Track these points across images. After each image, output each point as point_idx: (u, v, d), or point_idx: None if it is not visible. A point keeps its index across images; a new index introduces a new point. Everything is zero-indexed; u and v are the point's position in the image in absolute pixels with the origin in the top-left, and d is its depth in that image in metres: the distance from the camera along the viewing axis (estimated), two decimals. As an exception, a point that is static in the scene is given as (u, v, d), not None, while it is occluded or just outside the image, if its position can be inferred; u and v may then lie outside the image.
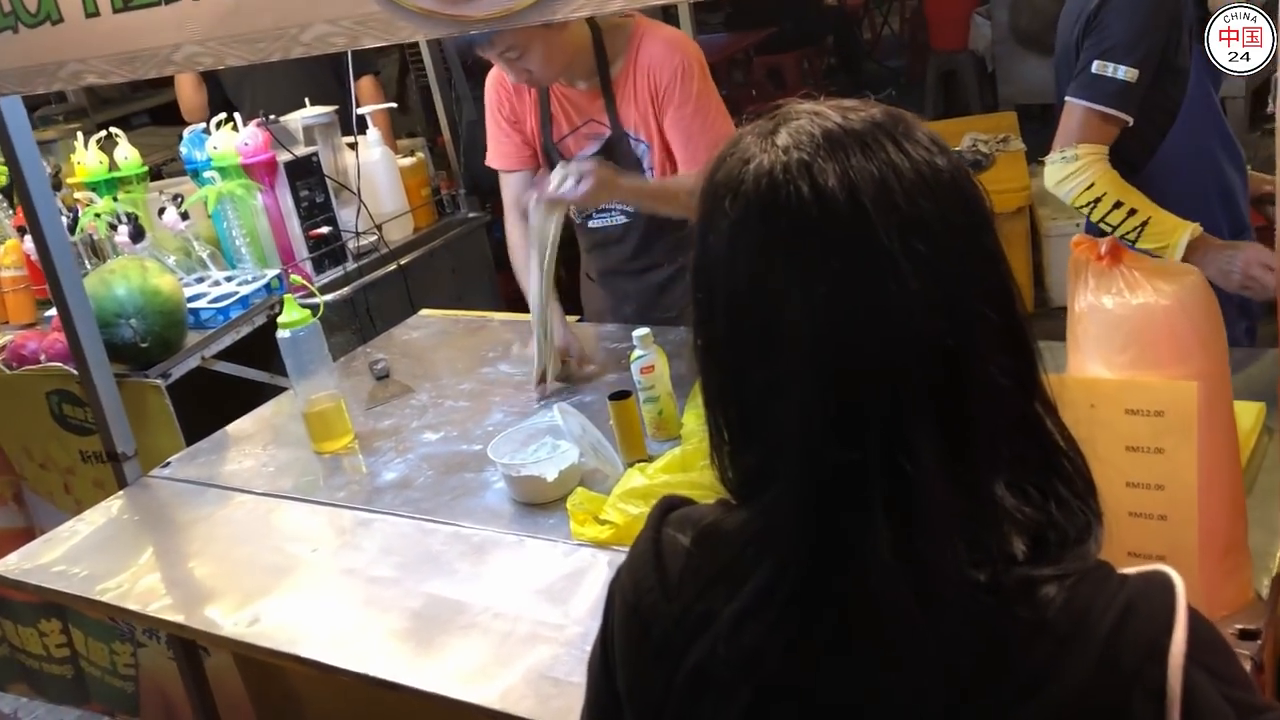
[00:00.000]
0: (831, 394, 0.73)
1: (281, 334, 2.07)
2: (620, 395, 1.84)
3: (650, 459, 1.85)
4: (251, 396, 2.71)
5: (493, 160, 2.45)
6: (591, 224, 2.47)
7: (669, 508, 0.91)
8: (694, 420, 1.82)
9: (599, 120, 2.31)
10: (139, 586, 1.81)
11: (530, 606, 1.55)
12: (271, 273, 2.87)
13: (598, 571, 1.59)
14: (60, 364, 2.55)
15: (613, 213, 2.44)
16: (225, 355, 2.71)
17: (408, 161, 3.42)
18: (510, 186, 2.44)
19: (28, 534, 2.96)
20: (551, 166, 2.42)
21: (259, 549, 1.86)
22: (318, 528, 1.89)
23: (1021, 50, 5.71)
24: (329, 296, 2.77)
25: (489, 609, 1.56)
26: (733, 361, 0.79)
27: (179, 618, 1.71)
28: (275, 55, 1.45)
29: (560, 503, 1.77)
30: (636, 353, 1.89)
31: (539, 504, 1.79)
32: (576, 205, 2.17)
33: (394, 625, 1.58)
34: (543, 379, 2.18)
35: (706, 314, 0.80)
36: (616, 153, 2.34)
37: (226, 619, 1.67)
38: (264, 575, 1.77)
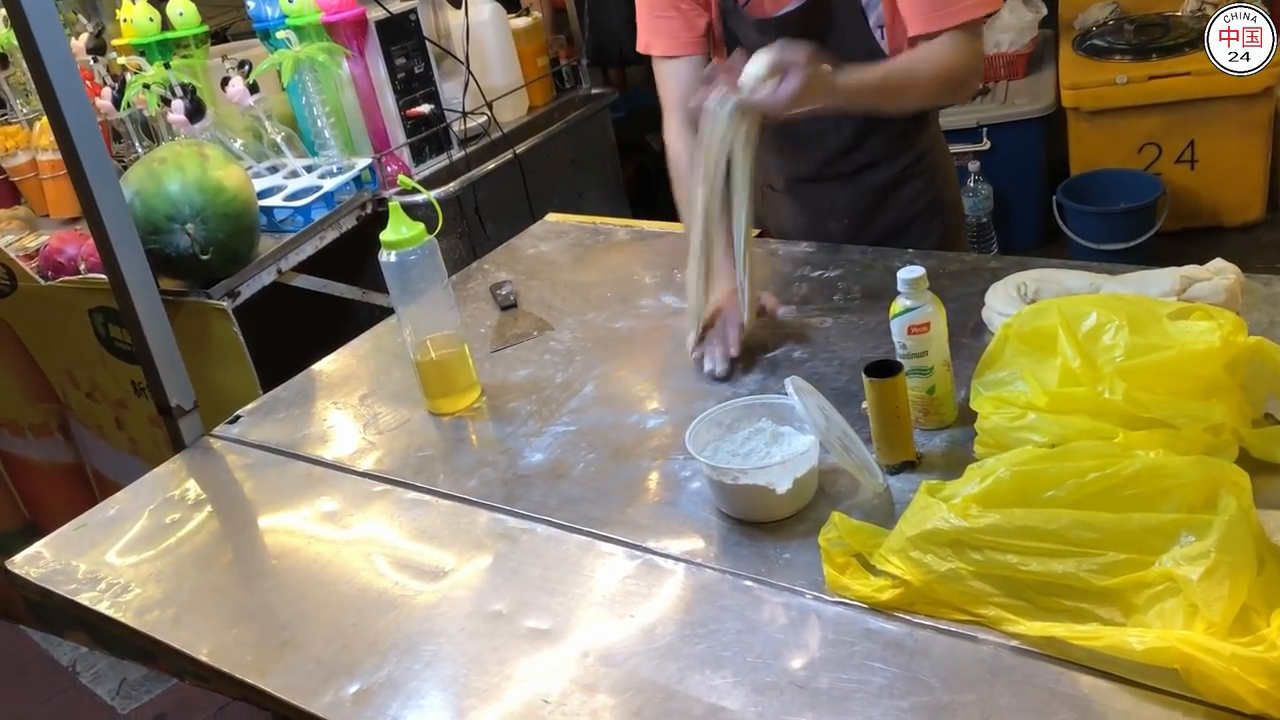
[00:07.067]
0: None
1: (386, 257, 1.51)
2: (884, 369, 1.25)
3: (918, 460, 1.28)
4: (339, 316, 2.18)
5: (647, 42, 1.78)
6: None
7: None
8: (993, 409, 1.23)
9: None
10: (195, 617, 1.31)
11: (777, 711, 1.01)
12: (362, 162, 2.29)
13: (874, 650, 1.03)
14: (104, 275, 2.02)
15: None
16: (306, 267, 2.17)
17: (522, 23, 2.79)
18: (672, 78, 1.77)
19: (77, 470, 2.50)
20: (729, 46, 1.79)
21: (363, 564, 1.34)
22: (443, 535, 1.36)
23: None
24: (435, 193, 2.17)
25: (707, 705, 1.02)
26: None
27: (251, 677, 1.19)
28: None
29: (792, 523, 1.22)
30: (902, 303, 1.29)
31: (761, 521, 1.24)
32: (772, 113, 1.43)
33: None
34: (701, 339, 1.57)
35: None
36: (830, 8, 1.70)
37: (318, 683, 1.16)
38: (371, 611, 1.24)
